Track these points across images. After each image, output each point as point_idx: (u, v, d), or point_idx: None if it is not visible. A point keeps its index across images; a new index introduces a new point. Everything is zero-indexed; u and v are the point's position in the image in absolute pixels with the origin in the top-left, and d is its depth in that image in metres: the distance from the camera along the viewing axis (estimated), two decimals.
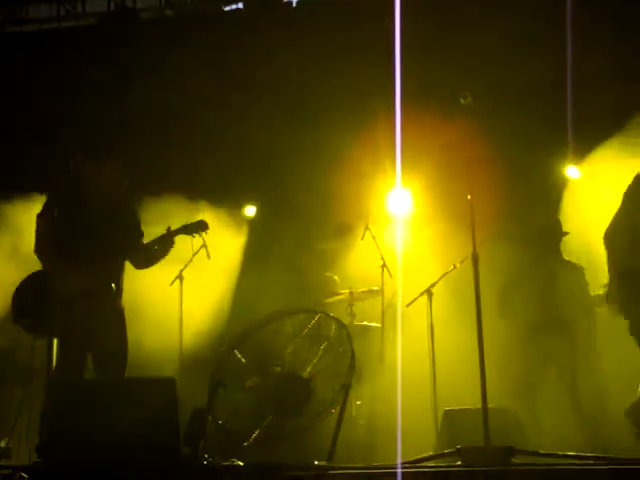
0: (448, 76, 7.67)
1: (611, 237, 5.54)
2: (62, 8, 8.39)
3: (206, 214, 6.84)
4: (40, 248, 5.64)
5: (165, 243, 5.80)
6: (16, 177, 7.86)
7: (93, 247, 5.60)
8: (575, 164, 8.28)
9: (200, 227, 5.98)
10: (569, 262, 7.24)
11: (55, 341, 5.74)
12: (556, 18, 7.78)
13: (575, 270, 7.14)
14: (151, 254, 5.85)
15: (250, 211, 9.18)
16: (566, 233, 7.28)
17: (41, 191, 6.15)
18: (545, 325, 6.85)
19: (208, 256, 8.18)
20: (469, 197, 5.39)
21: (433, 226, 8.53)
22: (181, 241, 6.04)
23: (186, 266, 8.05)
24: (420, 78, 7.66)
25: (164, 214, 6.59)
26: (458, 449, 5.06)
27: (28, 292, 5.64)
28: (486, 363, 5.21)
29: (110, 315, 5.64)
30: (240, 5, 8.42)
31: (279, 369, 5.25)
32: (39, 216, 5.68)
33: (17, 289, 5.71)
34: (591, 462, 4.66)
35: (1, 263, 7.39)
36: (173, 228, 5.85)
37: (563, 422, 6.71)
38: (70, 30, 8.21)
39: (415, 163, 8.12)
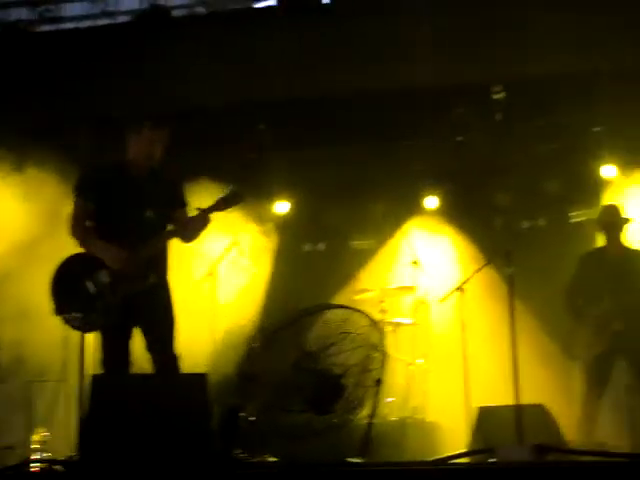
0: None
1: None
2: (95, 6, 8.41)
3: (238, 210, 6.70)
4: (75, 230, 5.35)
5: (200, 221, 5.36)
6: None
7: (132, 222, 5.31)
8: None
9: (234, 200, 5.42)
10: (635, 250, 6.90)
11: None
12: None
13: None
14: (190, 229, 5.41)
15: (282, 207, 9.11)
16: (626, 220, 6.89)
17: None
18: (612, 314, 6.56)
19: (240, 253, 8.18)
20: (502, 196, 5.30)
21: (463, 224, 8.43)
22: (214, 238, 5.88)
23: (218, 262, 8.03)
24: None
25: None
26: (491, 447, 5.00)
27: (64, 282, 5.27)
28: (520, 359, 5.13)
29: (154, 294, 5.32)
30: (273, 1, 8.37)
31: (312, 365, 5.19)
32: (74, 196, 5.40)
33: (53, 278, 5.28)
34: (626, 459, 4.55)
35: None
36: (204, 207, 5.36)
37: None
38: (105, 28, 8.21)
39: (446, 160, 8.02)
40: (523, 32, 7.17)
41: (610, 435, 6.37)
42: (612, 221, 6.82)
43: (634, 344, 6.39)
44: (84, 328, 5.25)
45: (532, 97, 7.24)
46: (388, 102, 7.56)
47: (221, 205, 5.38)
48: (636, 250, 6.85)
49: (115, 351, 5.30)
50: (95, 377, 4.89)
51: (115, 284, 5.21)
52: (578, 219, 7.72)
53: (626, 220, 6.86)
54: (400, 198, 8.54)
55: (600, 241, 6.94)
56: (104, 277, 5.22)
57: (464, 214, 8.38)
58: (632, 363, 6.47)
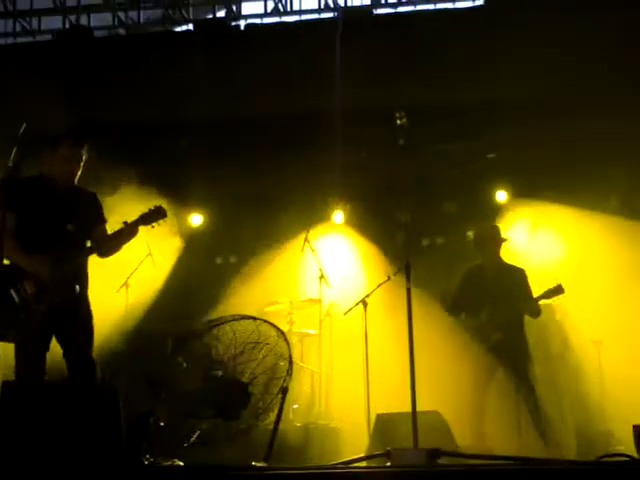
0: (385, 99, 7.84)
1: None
2: (18, 24, 8.49)
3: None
4: None
5: (125, 235, 5.50)
6: None
7: (51, 237, 5.41)
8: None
9: (158, 215, 5.58)
10: (510, 265, 7.35)
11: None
12: None
13: (517, 272, 7.30)
14: (114, 243, 5.54)
15: (196, 219, 9.26)
16: (504, 240, 7.36)
17: None
18: (491, 326, 6.93)
19: (154, 264, 8.28)
20: (403, 214, 5.56)
21: (369, 238, 8.72)
22: (127, 249, 5.98)
23: (132, 274, 8.13)
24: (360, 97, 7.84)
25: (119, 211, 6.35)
26: (387, 451, 5.22)
27: None
28: (417, 369, 5.37)
29: (75, 304, 5.44)
30: (190, 27, 8.59)
31: (220, 373, 5.33)
32: None
33: None
34: (511, 462, 4.82)
35: None
36: (130, 220, 5.52)
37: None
38: (25, 46, 8.25)
39: (351, 179, 8.29)
40: (429, 62, 7.56)
41: (496, 439, 6.73)
42: (488, 239, 7.28)
43: (512, 353, 6.85)
44: (6, 338, 5.27)
45: (435, 123, 7.64)
46: (303, 123, 7.87)
47: (146, 220, 5.54)
48: (511, 266, 7.31)
49: (32, 359, 5.37)
50: (5, 383, 4.96)
51: (39, 294, 5.29)
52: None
53: (502, 239, 7.33)
54: (308, 211, 8.79)
55: (478, 258, 7.38)
56: (28, 287, 5.29)
57: (371, 228, 8.72)
58: (512, 372, 6.89)
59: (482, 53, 7.74)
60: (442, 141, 8.03)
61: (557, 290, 6.92)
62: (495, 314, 6.93)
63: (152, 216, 5.56)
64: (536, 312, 7.07)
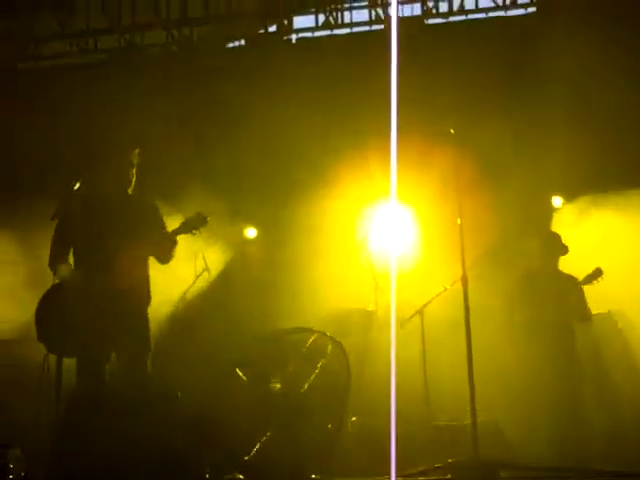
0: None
1: None
2: (75, 45, 8.69)
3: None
4: (53, 261, 5.51)
5: (168, 245, 5.54)
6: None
7: (109, 250, 5.42)
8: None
9: (199, 222, 5.55)
10: (569, 276, 7.19)
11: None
12: None
13: (572, 282, 7.15)
14: (170, 246, 5.54)
15: (251, 233, 9.24)
16: (566, 250, 7.21)
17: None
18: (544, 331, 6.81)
19: (209, 277, 8.29)
20: (459, 221, 5.49)
21: (426, 246, 8.59)
22: (183, 262, 5.98)
23: (189, 288, 8.16)
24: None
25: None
26: (448, 463, 5.15)
27: (48, 311, 5.42)
28: (478, 379, 5.28)
29: (133, 317, 5.48)
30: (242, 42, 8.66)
31: (278, 386, 5.32)
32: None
33: (37, 309, 5.47)
34: (574, 474, 4.71)
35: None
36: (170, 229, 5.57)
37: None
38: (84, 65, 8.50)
39: (408, 185, 8.18)
40: None
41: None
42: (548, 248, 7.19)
43: None
44: (64, 352, 5.33)
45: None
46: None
47: (188, 227, 5.53)
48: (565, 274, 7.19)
49: (93, 371, 5.42)
50: (69, 394, 5.03)
51: (93, 308, 5.33)
52: None
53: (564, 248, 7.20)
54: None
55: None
56: (86, 301, 5.33)
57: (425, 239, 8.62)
58: None
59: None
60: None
61: (596, 274, 6.81)
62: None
63: (193, 223, 5.55)
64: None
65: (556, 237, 7.32)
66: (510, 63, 8.26)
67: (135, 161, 5.65)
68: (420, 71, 7.59)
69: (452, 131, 5.67)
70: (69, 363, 5.37)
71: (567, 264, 7.29)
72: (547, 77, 7.99)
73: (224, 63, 8.60)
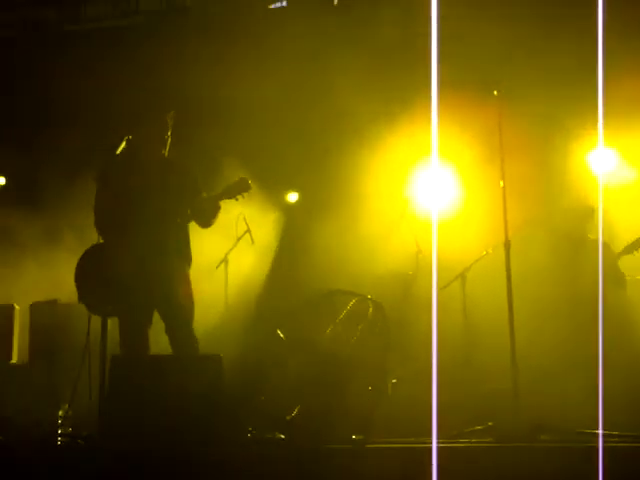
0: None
1: None
2: (117, 8, 8.69)
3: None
4: (98, 221, 5.53)
5: (211, 210, 5.52)
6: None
7: (148, 212, 5.44)
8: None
9: (242, 188, 5.50)
10: (606, 243, 7.10)
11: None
12: None
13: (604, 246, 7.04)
14: (212, 211, 5.53)
15: (292, 197, 9.25)
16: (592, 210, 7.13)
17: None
18: (577, 302, 6.77)
19: (252, 241, 8.31)
20: (501, 184, 5.44)
21: (468, 209, 8.50)
22: (225, 225, 5.93)
23: (231, 250, 8.18)
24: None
25: None
26: (489, 426, 5.15)
27: (88, 270, 5.42)
28: (519, 344, 5.26)
29: (174, 277, 5.49)
30: (284, 3, 8.55)
31: (319, 348, 5.33)
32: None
33: (77, 267, 5.46)
34: (617, 439, 4.67)
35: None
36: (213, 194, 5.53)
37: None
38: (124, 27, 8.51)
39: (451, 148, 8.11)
40: None
41: None
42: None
43: None
44: (106, 312, 5.35)
45: None
46: None
47: (231, 192, 5.52)
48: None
49: (135, 333, 5.47)
50: (114, 358, 5.09)
51: (134, 272, 5.37)
52: None
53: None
54: None
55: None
56: (124, 264, 5.39)
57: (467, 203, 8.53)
58: None
59: None
60: None
61: (636, 244, 6.77)
62: None
63: (236, 188, 5.52)
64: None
65: (596, 204, 7.21)
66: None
67: (170, 123, 5.65)
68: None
69: (496, 93, 5.59)
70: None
71: (608, 233, 7.21)
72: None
73: (264, 28, 8.52)
